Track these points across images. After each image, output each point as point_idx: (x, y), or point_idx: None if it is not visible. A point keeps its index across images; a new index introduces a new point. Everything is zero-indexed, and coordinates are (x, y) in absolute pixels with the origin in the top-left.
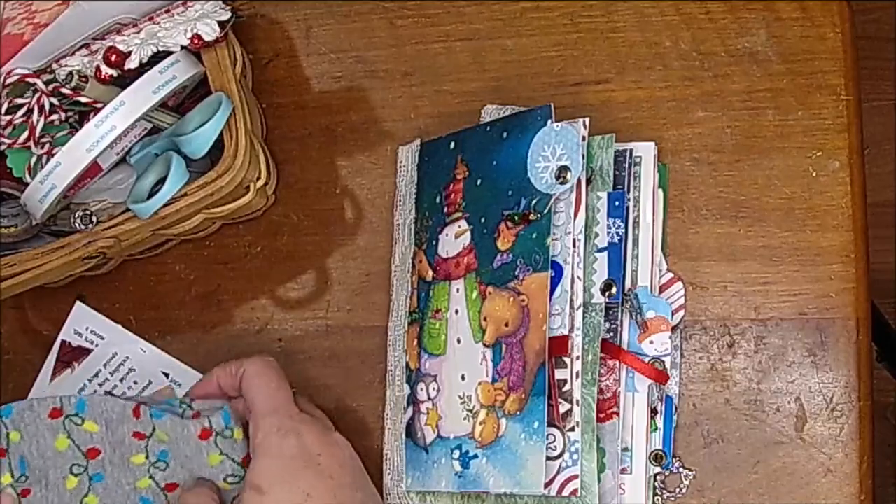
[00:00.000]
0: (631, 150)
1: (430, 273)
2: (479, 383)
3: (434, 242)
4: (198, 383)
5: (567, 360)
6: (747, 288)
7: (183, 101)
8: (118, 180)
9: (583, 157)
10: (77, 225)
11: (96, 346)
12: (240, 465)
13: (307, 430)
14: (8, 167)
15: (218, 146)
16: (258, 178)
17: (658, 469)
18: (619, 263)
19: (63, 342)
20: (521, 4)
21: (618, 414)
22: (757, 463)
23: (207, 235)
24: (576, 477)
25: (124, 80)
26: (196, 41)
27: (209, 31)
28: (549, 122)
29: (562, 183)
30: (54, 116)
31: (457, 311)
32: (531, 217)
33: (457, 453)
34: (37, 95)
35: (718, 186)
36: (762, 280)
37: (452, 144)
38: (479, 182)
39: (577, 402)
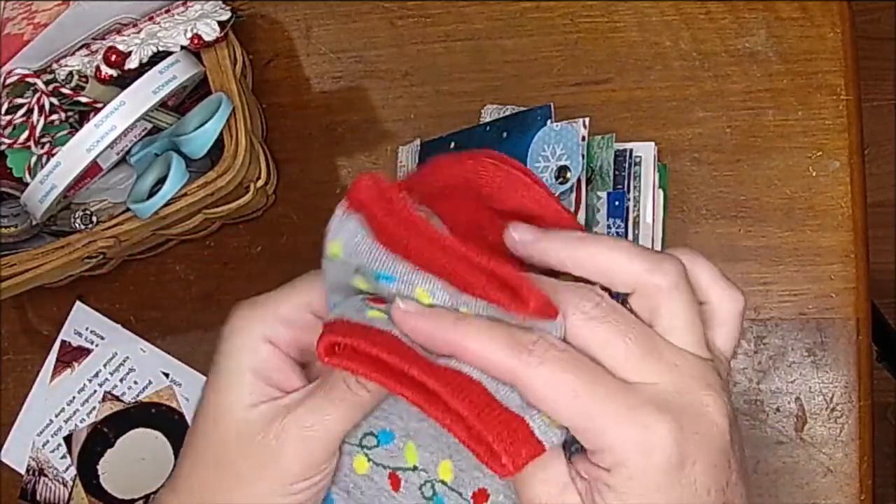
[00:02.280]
0: (631, 150)
1: None
2: None
3: None
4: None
5: None
6: (747, 288)
7: (183, 101)
8: (118, 180)
9: (583, 157)
10: (77, 225)
11: (96, 346)
12: None
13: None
14: (8, 167)
15: (218, 146)
16: (258, 178)
17: None
18: None
19: (63, 342)
20: (521, 4)
21: None
22: (757, 463)
23: (207, 235)
24: None
25: (124, 80)
26: (196, 41)
27: (209, 31)
28: (549, 122)
29: (562, 183)
30: (54, 116)
31: None
32: None
33: None
34: (37, 95)
35: (718, 186)
36: (762, 280)
37: (452, 144)
38: None
39: None
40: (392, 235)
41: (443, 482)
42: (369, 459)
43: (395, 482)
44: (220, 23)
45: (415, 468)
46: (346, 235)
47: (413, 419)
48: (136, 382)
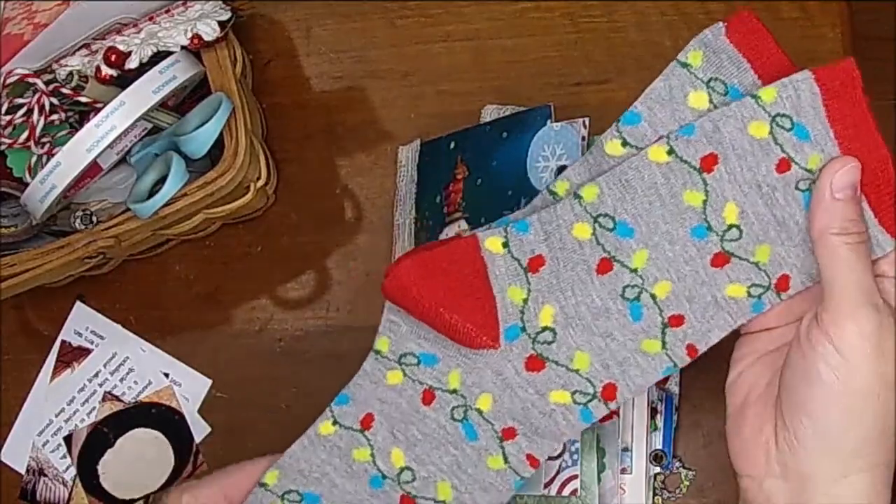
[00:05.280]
0: None
1: None
2: None
3: None
4: None
5: None
6: None
7: (183, 101)
8: (118, 180)
9: None
10: (77, 225)
11: (96, 346)
12: None
13: None
14: (8, 167)
15: (218, 146)
16: (258, 178)
17: (658, 469)
18: None
19: (63, 342)
20: (521, 4)
21: (618, 414)
22: None
23: (207, 235)
24: (576, 477)
25: (124, 80)
26: (196, 41)
27: (209, 31)
28: (549, 122)
29: None
30: (54, 116)
31: None
32: None
33: None
34: (37, 95)
35: None
36: None
37: (452, 144)
38: (478, 182)
39: None
40: None
41: (478, 411)
42: (405, 375)
43: (429, 398)
44: (220, 23)
45: (454, 391)
46: None
47: (463, 350)
48: (136, 382)
